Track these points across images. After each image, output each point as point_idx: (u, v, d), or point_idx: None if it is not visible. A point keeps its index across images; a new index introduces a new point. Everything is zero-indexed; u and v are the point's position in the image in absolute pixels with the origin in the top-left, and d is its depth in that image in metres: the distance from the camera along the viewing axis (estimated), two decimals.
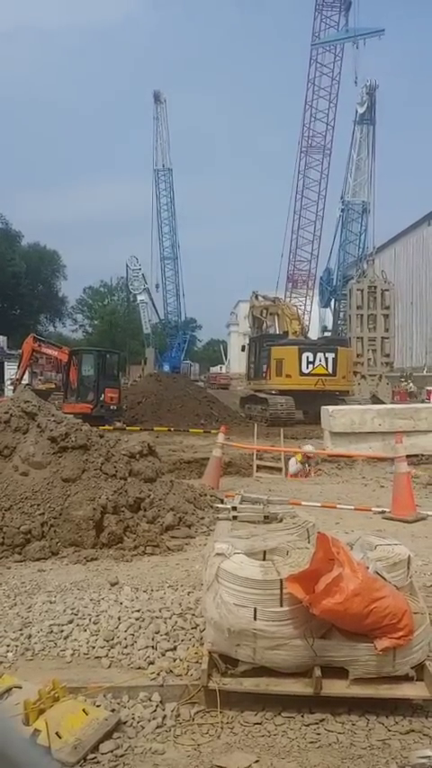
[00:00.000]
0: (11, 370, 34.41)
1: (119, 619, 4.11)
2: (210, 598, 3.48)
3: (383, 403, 24.37)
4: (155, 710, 3.31)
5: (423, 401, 26.14)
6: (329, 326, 38.19)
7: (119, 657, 3.74)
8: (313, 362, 23.11)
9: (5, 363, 40.12)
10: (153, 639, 3.86)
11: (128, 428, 18.95)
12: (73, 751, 2.91)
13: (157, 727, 3.21)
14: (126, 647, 3.83)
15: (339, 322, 36.41)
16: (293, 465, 11.93)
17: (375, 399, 26.89)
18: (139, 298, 46.65)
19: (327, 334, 36.28)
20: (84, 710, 3.14)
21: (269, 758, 3.00)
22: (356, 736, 3.17)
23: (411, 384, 33.21)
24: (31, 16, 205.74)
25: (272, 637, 3.30)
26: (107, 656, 3.76)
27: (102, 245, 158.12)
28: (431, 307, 43.26)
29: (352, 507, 7.85)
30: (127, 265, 45.93)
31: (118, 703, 3.35)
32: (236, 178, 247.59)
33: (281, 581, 3.33)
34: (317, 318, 39.02)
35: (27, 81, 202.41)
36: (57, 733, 2.96)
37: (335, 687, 3.31)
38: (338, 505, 7.90)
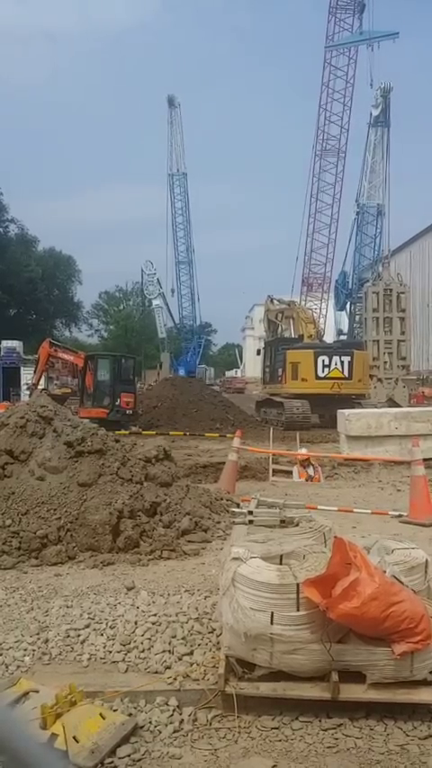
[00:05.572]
0: (27, 375, 34.59)
1: (135, 623, 4.11)
2: (226, 602, 3.48)
3: (400, 406, 24.27)
4: (172, 715, 3.31)
5: None
6: (345, 330, 37.95)
7: (136, 662, 3.75)
8: (329, 366, 23.01)
9: (22, 368, 40.31)
10: (170, 644, 3.86)
11: (143, 432, 19.04)
12: (90, 755, 2.92)
13: (175, 732, 3.21)
14: (143, 651, 3.83)
15: (355, 325, 36.24)
16: (295, 472, 11.92)
17: (392, 403, 26.78)
18: (155, 302, 46.69)
19: (342, 337, 36.04)
20: (101, 715, 3.14)
21: (287, 763, 2.99)
22: (374, 741, 3.15)
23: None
24: (44, 21, 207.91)
25: (289, 641, 3.29)
26: (124, 660, 3.77)
27: (117, 250, 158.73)
28: None
29: (369, 511, 7.81)
30: (142, 270, 45.98)
31: (135, 708, 3.35)
32: (250, 182, 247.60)
33: (297, 585, 3.32)
34: (332, 322, 38.82)
35: (40, 85, 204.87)
36: (74, 737, 2.97)
37: (352, 692, 3.30)
38: (355, 509, 7.86)
